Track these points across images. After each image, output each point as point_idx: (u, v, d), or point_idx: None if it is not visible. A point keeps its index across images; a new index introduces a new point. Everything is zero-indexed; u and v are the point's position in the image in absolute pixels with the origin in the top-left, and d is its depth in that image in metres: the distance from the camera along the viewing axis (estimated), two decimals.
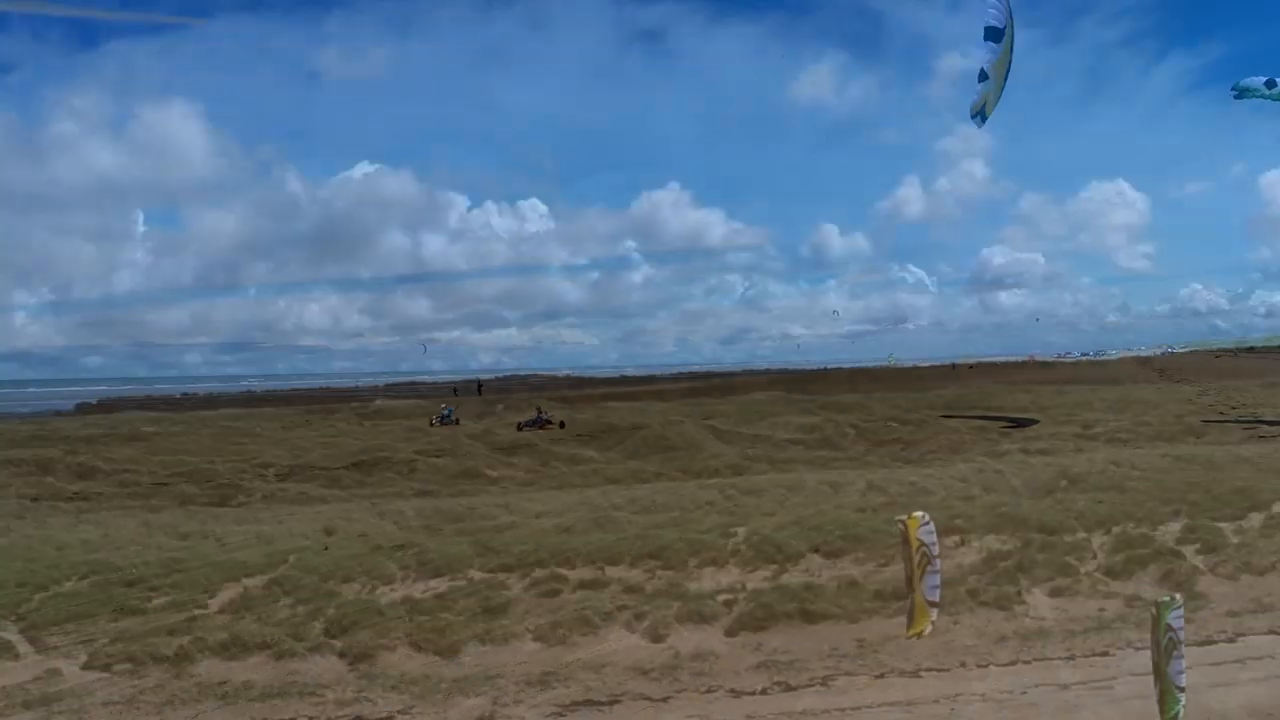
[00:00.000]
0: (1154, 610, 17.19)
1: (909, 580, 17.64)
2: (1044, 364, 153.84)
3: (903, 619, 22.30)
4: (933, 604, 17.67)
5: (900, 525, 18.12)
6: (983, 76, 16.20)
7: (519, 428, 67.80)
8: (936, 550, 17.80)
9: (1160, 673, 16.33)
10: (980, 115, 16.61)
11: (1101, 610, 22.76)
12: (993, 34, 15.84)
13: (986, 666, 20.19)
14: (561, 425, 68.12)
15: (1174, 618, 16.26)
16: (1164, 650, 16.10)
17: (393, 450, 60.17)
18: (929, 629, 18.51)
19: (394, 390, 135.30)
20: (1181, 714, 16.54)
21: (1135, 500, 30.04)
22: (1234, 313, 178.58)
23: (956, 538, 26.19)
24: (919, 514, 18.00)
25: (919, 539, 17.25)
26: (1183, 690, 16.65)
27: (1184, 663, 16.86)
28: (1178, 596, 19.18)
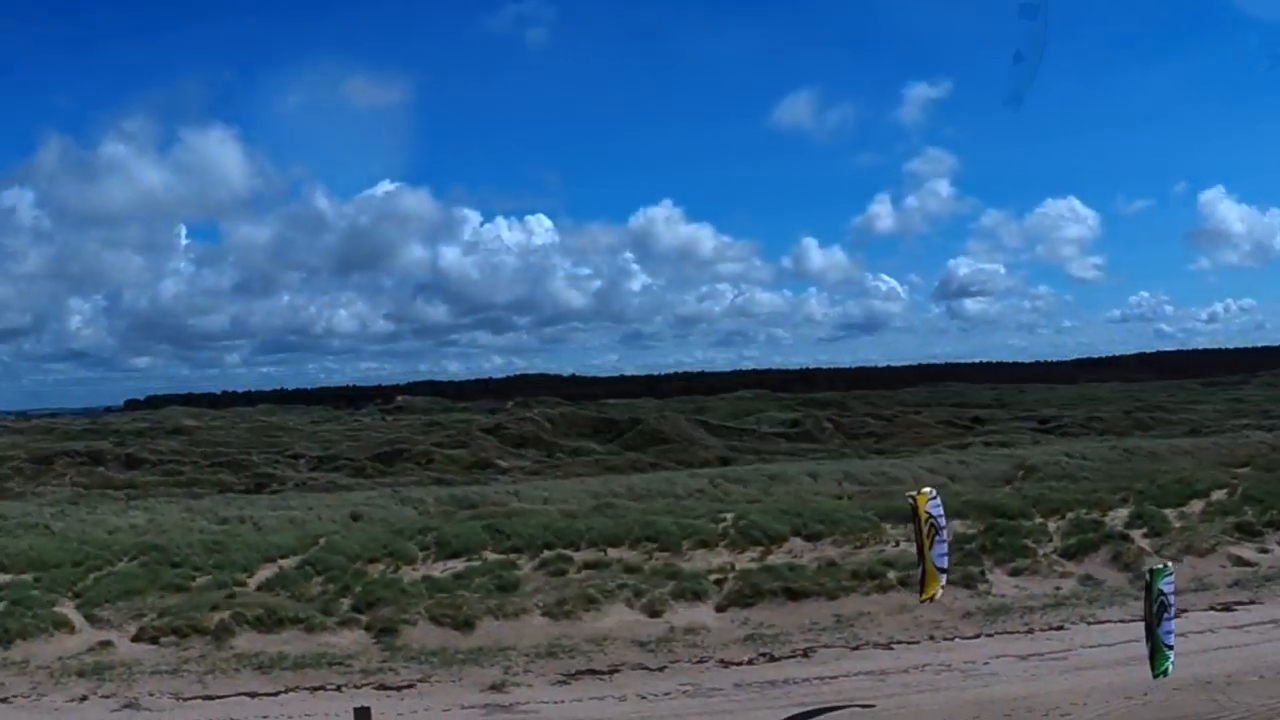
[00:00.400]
0: (1147, 577, 17.13)
1: (920, 550, 17.65)
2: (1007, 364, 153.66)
3: (878, 596, 22.35)
4: (942, 570, 17.73)
5: (910, 500, 18.09)
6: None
7: None
8: (944, 522, 17.83)
9: (1151, 632, 16.35)
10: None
11: (1057, 589, 22.74)
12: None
13: (953, 639, 20.18)
14: None
15: (1165, 584, 16.25)
16: (1155, 613, 16.10)
17: (412, 443, 60.29)
18: (940, 593, 18.52)
19: (414, 389, 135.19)
20: (1171, 669, 16.41)
21: (1086, 488, 30.10)
22: (1177, 318, 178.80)
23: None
24: (928, 490, 18.05)
25: (927, 512, 17.31)
26: (1171, 649, 16.49)
27: (1174, 624, 16.82)
28: (1169, 565, 19.06)
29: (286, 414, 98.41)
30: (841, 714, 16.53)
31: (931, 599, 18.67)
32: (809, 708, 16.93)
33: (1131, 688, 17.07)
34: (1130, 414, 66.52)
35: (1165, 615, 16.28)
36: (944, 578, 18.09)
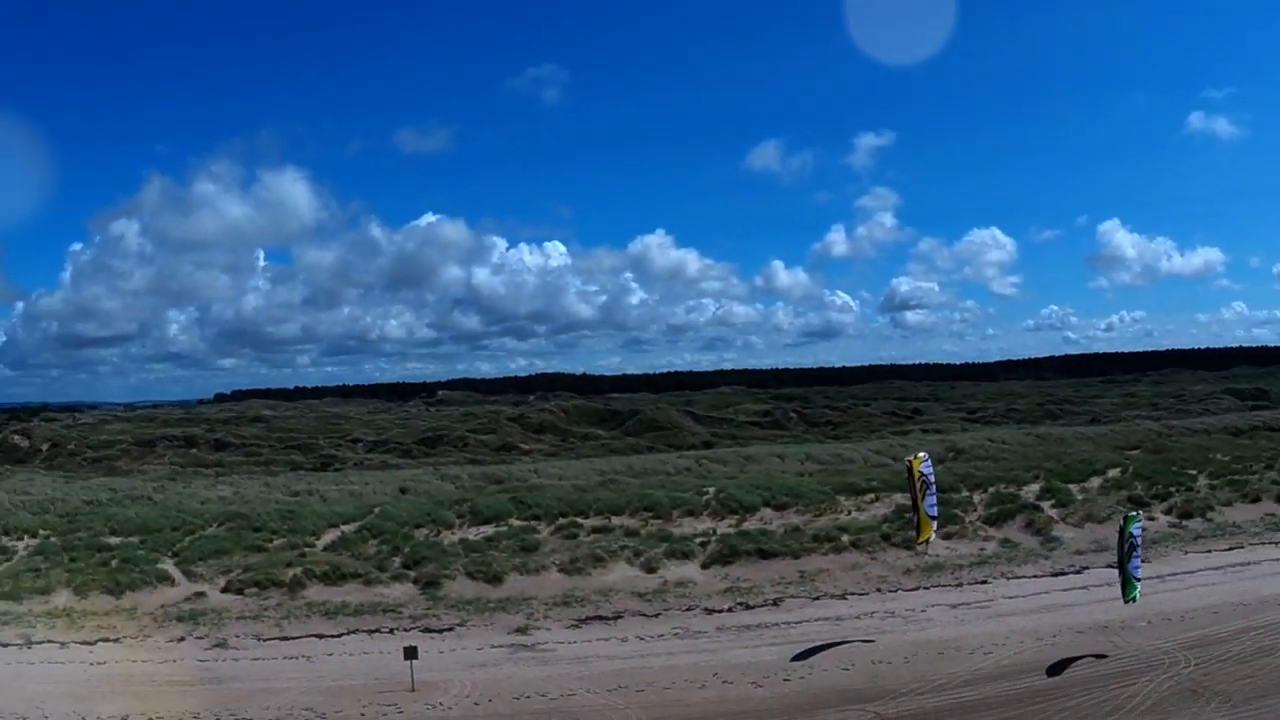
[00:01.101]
0: (1121, 521, 17.27)
1: (914, 503, 17.92)
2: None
3: (835, 556, 22.40)
4: (933, 518, 17.97)
5: (907, 462, 18.36)
6: None
7: None
8: (933, 479, 18.07)
9: (1122, 567, 16.67)
10: None
11: (981, 550, 22.78)
12: None
13: (896, 592, 20.27)
14: None
15: (1135, 529, 16.56)
16: (1125, 552, 16.34)
17: (450, 430, 60.11)
18: (932, 537, 19.15)
19: (452, 385, 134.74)
20: (1138, 597, 16.93)
21: (1005, 467, 30.15)
22: (1080, 327, 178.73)
23: (871, 495, 26.23)
24: (922, 454, 18.33)
25: (920, 472, 17.66)
26: (1139, 581, 17.03)
27: (1140, 560, 17.10)
28: (1140, 513, 19.38)
29: (347, 406, 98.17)
30: (845, 648, 16.60)
31: (926, 542, 19.24)
32: (816, 644, 17.01)
33: (1042, 630, 17.26)
34: (1042, 406, 66.51)
35: (1134, 554, 16.55)
36: (934, 524, 18.40)
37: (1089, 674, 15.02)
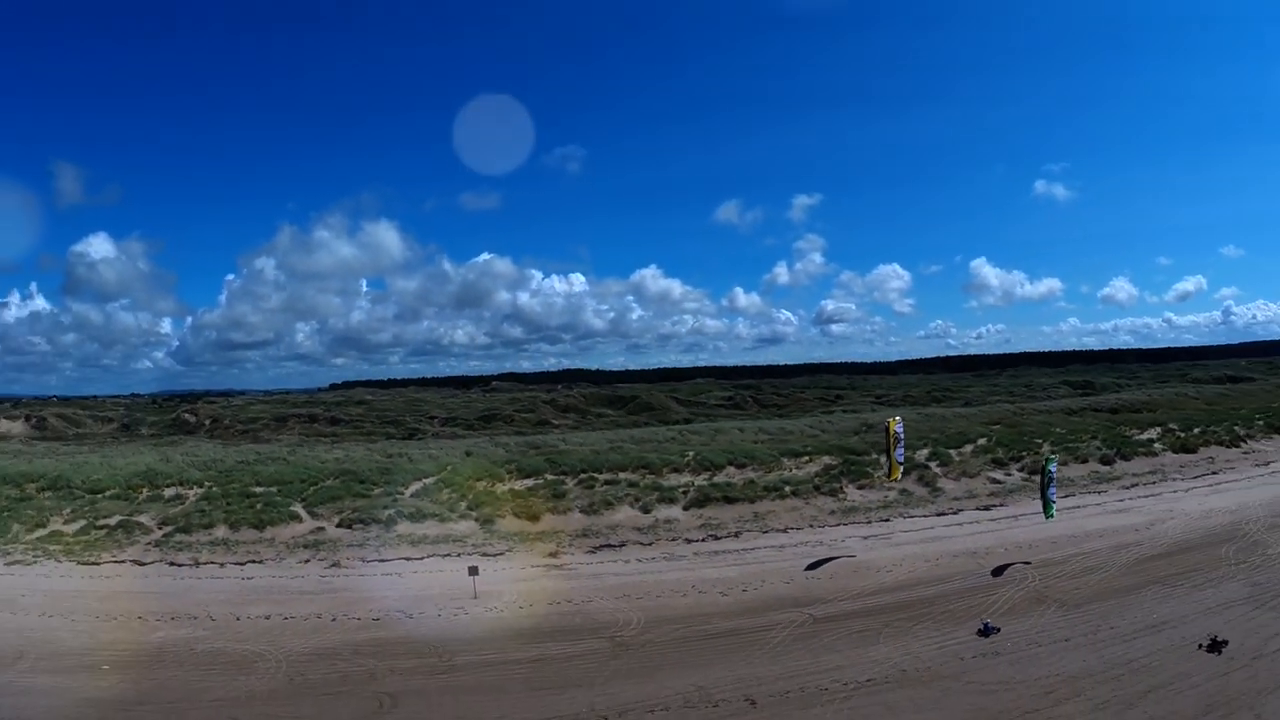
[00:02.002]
0: (1044, 461, 17.80)
1: (888, 451, 18.53)
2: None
3: (780, 501, 22.18)
4: (899, 464, 18.46)
5: (885, 423, 18.95)
6: None
7: None
8: (902, 435, 18.45)
9: (1043, 494, 17.53)
10: None
11: (885, 497, 22.65)
12: None
13: (824, 528, 20.24)
14: None
15: (1052, 467, 17.48)
16: (1044, 483, 17.25)
17: (501, 410, 59.99)
18: (900, 477, 19.88)
19: (502, 378, 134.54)
20: (1054, 515, 17.82)
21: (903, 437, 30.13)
22: (958, 336, 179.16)
23: (806, 457, 26.16)
24: (896, 418, 18.96)
25: (895, 431, 18.14)
26: (1054, 503, 17.83)
27: (1055, 490, 17.99)
28: (1055, 455, 20.24)
29: (426, 392, 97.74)
30: (839, 561, 16.59)
31: (896, 480, 20.10)
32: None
33: (929, 555, 17.31)
34: (930, 393, 66.37)
35: (1050, 485, 17.39)
36: (901, 469, 19.11)
37: (961, 586, 15.07)
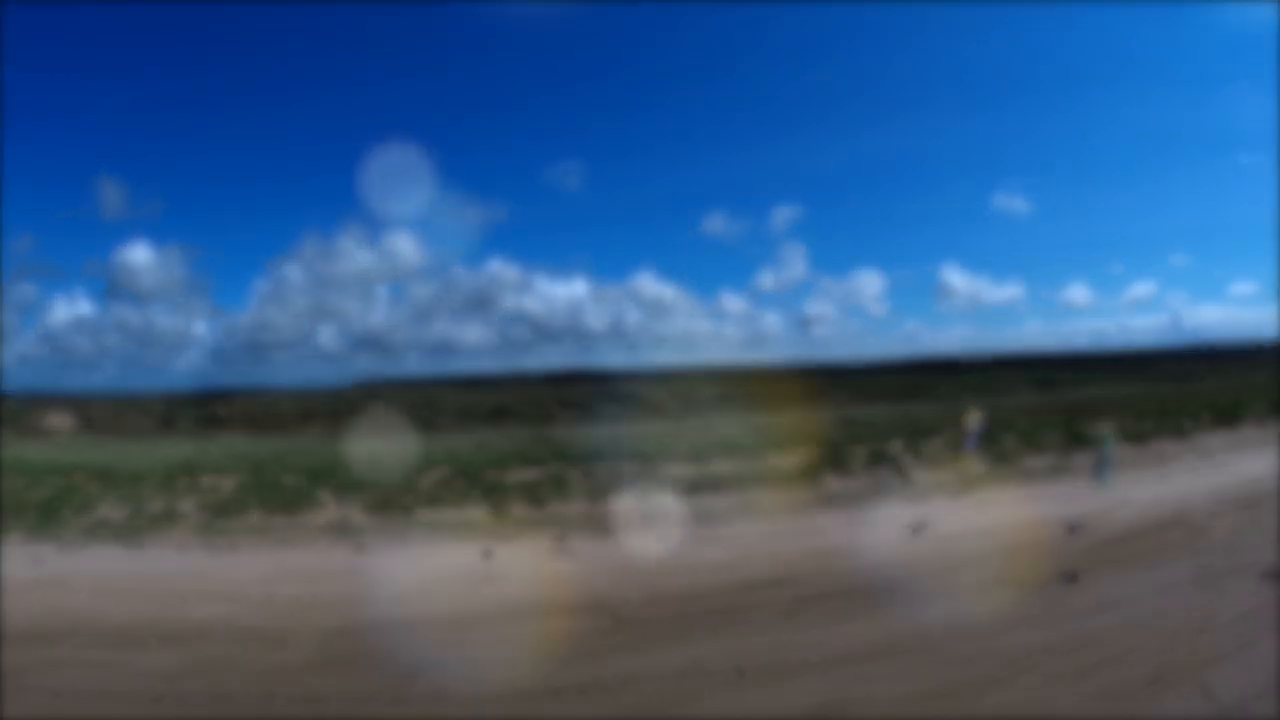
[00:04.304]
0: (1100, 438, 17.63)
1: (963, 440, 18.32)
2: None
3: (765, 489, 22.18)
4: (971, 453, 18.23)
5: (965, 413, 18.73)
6: None
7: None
8: (975, 428, 18.23)
9: (1099, 470, 17.63)
10: None
11: (863, 485, 22.71)
12: None
13: (806, 514, 19.96)
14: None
15: (1109, 446, 17.11)
16: (1098, 460, 16.95)
17: (510, 405, 60.16)
18: (969, 463, 19.91)
19: (520, 377, 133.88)
20: (1109, 487, 17.63)
21: (879, 430, 30.12)
22: (930, 336, 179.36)
23: (791, 449, 26.11)
24: (975, 411, 18.71)
25: (970, 424, 17.99)
26: (1107, 478, 17.74)
27: (1109, 469, 17.89)
28: (1111, 435, 19.94)
29: (440, 389, 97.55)
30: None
31: (966, 468, 20.18)
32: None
33: (901, 537, 17.20)
34: (904, 390, 66.63)
35: (1106, 462, 17.49)
36: (972, 459, 19.27)
37: (932, 566, 15.15)
